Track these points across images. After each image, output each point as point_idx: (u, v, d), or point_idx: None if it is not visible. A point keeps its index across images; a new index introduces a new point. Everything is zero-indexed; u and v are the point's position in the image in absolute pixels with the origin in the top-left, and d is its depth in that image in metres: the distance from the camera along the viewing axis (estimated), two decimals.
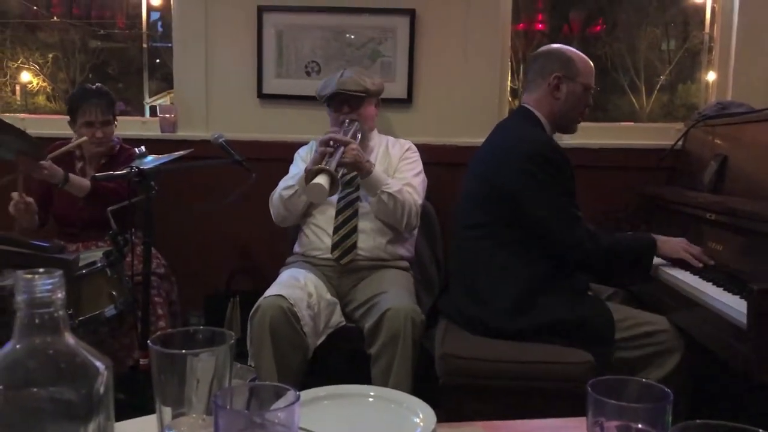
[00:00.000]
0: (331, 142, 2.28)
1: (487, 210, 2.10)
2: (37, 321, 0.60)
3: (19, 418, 0.59)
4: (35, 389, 0.59)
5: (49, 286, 0.60)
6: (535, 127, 2.15)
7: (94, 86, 2.66)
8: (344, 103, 2.52)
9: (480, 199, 2.14)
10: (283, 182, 2.51)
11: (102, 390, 0.61)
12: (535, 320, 1.98)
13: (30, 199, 2.44)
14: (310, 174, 2.15)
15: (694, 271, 1.99)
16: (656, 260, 2.10)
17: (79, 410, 0.59)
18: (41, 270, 0.61)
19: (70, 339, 0.61)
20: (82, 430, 0.59)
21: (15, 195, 2.40)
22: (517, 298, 2.02)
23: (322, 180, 2.10)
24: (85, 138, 2.55)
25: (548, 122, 2.18)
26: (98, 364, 0.62)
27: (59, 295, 0.61)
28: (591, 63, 2.22)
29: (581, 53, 2.22)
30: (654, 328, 1.99)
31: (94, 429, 0.60)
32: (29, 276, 0.60)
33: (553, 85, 2.15)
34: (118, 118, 2.74)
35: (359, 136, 2.44)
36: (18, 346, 0.60)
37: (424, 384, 1.99)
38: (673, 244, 2.09)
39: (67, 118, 2.66)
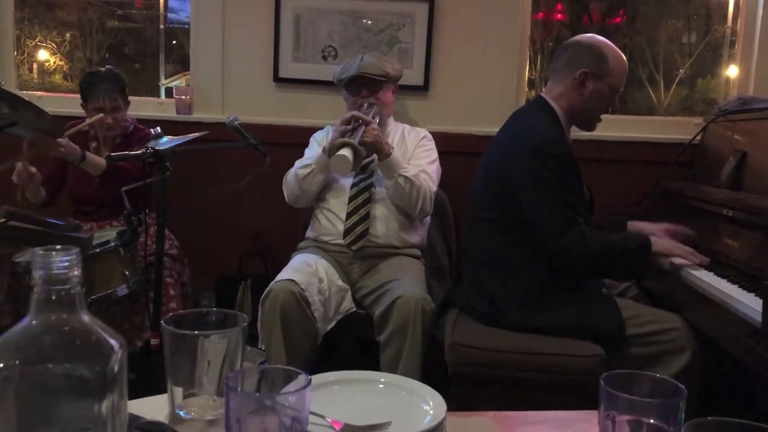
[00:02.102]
0: (353, 121, 2.30)
1: (495, 205, 2.06)
2: (53, 297, 0.60)
3: (34, 393, 0.59)
4: (50, 365, 0.59)
5: (66, 263, 0.60)
6: (548, 120, 2.07)
7: (104, 69, 2.66)
8: (363, 86, 2.52)
9: (489, 193, 2.10)
10: (299, 162, 2.52)
11: (116, 368, 0.61)
12: (543, 322, 1.96)
13: (34, 169, 2.44)
14: (333, 148, 2.16)
15: (709, 267, 1.97)
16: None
17: (94, 387, 0.60)
18: (58, 247, 0.61)
19: (85, 316, 0.62)
20: (96, 407, 0.60)
21: (18, 164, 2.39)
22: (526, 299, 1.99)
23: (346, 152, 2.12)
24: (101, 115, 2.55)
25: (565, 116, 2.10)
26: (113, 342, 0.62)
27: (76, 272, 0.61)
28: (625, 62, 2.11)
29: (617, 50, 2.09)
30: (665, 326, 1.96)
31: (107, 406, 0.60)
32: (46, 252, 0.60)
33: (579, 80, 2.06)
34: (133, 98, 2.74)
35: (377, 120, 2.43)
36: (34, 322, 0.60)
37: (433, 373, 1.99)
38: (666, 242, 2.04)
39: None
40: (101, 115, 2.56)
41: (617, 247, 2.00)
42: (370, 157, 2.43)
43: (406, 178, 2.36)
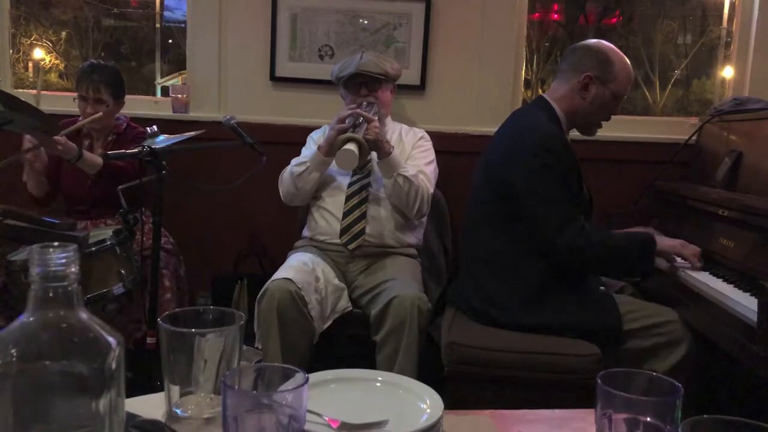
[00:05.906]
0: (355, 117, 2.31)
1: (494, 202, 2.07)
2: (50, 295, 0.60)
3: (31, 391, 0.59)
4: (47, 362, 0.59)
5: (64, 260, 0.60)
6: (547, 119, 2.08)
7: (102, 63, 2.66)
8: (362, 85, 2.52)
9: (488, 190, 2.11)
10: (295, 160, 2.51)
11: (114, 365, 0.61)
12: (542, 320, 1.96)
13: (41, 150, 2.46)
14: (338, 142, 2.18)
15: (705, 267, 1.98)
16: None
17: (91, 385, 0.59)
18: (56, 244, 0.61)
19: (83, 313, 0.61)
20: (94, 404, 0.59)
21: (27, 138, 2.40)
22: (526, 297, 1.99)
23: (352, 147, 2.14)
24: (100, 114, 2.54)
25: (566, 118, 2.11)
26: (110, 339, 0.62)
27: (73, 270, 0.61)
28: (631, 71, 2.12)
29: (624, 58, 2.11)
30: (661, 319, 1.97)
31: (105, 404, 0.60)
32: (44, 249, 0.60)
33: (582, 84, 2.07)
34: (129, 97, 2.73)
35: (376, 119, 2.43)
36: (31, 319, 0.60)
37: (429, 372, 2.00)
38: (671, 241, 2.05)
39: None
40: (99, 114, 2.54)
41: (619, 243, 2.00)
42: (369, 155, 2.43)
43: (405, 177, 2.36)
